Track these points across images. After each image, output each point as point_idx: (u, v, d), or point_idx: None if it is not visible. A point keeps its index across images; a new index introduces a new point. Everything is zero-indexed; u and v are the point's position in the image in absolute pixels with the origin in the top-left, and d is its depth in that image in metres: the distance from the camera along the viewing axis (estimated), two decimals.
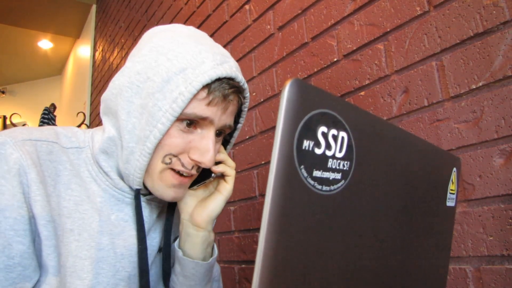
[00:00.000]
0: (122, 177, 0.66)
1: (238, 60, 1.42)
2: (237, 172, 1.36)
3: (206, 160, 0.61)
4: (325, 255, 0.34)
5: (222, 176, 0.69)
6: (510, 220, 0.66)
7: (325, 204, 0.33)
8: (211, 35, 1.60)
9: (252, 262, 1.25)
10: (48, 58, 5.65)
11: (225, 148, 0.74)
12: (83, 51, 4.56)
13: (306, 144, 0.31)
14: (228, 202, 1.39)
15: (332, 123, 0.33)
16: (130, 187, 0.66)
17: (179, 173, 0.63)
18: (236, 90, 0.62)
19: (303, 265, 0.32)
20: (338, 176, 0.34)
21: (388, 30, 0.88)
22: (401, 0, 0.86)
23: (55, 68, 6.04)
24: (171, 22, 1.98)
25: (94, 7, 4.15)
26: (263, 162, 1.25)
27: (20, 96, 6.38)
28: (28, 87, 6.39)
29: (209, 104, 0.59)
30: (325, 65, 1.05)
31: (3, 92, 6.32)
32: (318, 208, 0.33)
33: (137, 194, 0.65)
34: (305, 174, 0.31)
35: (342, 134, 0.34)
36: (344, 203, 0.35)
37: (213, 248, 0.72)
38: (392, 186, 0.43)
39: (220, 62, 0.60)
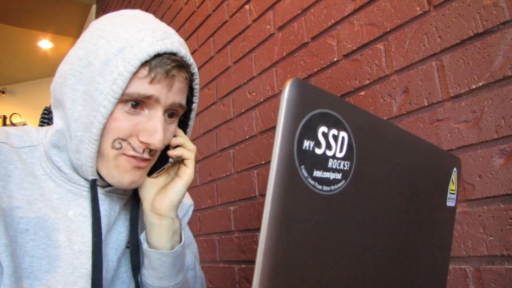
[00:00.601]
0: (76, 170, 0.64)
1: (238, 60, 1.42)
2: (237, 172, 1.37)
3: (154, 140, 0.59)
4: (325, 255, 0.34)
5: (182, 161, 0.67)
6: (510, 220, 0.66)
7: (325, 204, 0.33)
8: (211, 35, 1.60)
9: (252, 262, 1.25)
10: (48, 58, 5.65)
11: (185, 132, 0.71)
12: None
13: (307, 144, 0.31)
14: (228, 202, 1.39)
15: (333, 123, 0.33)
16: (86, 180, 0.64)
17: (133, 157, 0.61)
18: (178, 65, 0.60)
19: (303, 265, 0.32)
20: (338, 176, 0.34)
21: (388, 30, 0.88)
22: (401, 0, 0.86)
23: (55, 68, 5.91)
24: (171, 22, 1.98)
25: (94, 7, 4.15)
26: (263, 162, 1.25)
27: (20, 96, 6.38)
28: (28, 87, 6.38)
29: (151, 82, 0.58)
30: (325, 65, 1.05)
31: (3, 92, 6.32)
32: (318, 208, 0.33)
33: (92, 184, 0.63)
34: (306, 174, 0.31)
35: (343, 134, 0.34)
36: (345, 203, 0.35)
37: (181, 236, 0.69)
38: (393, 186, 0.43)
39: (161, 38, 0.59)
